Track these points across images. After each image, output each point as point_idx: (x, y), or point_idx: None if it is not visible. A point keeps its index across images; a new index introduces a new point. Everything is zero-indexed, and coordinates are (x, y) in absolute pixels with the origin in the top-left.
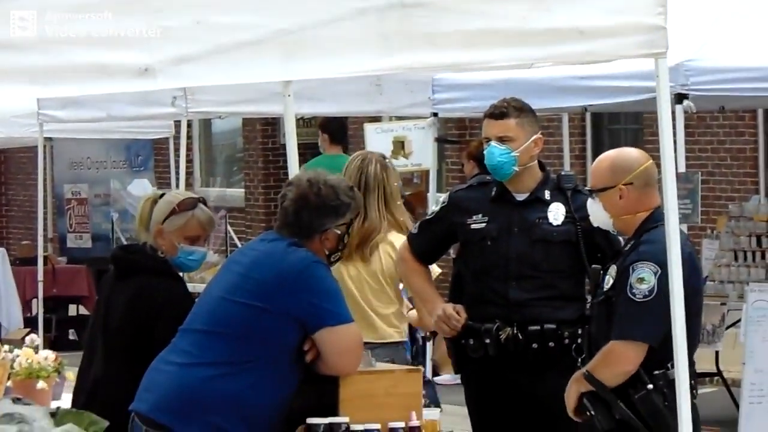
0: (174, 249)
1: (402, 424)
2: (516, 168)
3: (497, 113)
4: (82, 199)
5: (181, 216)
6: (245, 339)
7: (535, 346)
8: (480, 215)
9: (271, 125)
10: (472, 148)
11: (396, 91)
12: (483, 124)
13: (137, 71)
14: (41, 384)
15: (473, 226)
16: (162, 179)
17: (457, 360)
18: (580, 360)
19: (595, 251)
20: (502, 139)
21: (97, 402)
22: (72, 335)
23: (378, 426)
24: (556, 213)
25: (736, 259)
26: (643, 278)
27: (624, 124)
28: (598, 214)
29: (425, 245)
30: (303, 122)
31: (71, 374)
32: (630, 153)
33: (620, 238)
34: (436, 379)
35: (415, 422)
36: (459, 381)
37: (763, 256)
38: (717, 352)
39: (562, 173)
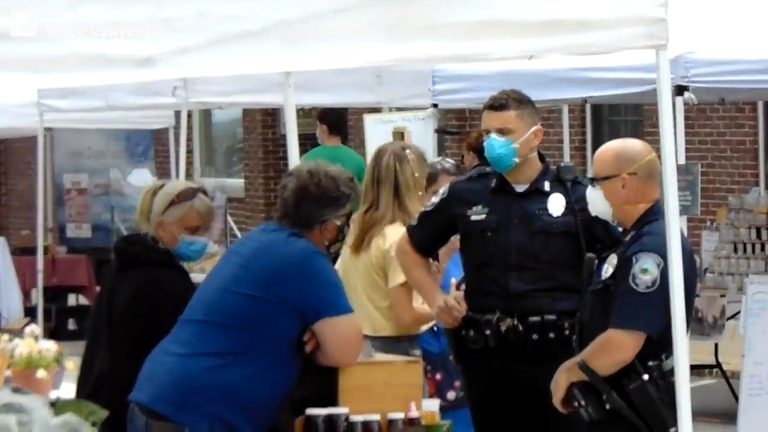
0: (175, 240)
1: (401, 415)
2: (516, 159)
3: (497, 105)
4: (82, 189)
5: (180, 207)
6: (245, 329)
7: (535, 337)
8: (480, 206)
9: (271, 116)
10: (472, 140)
11: (396, 82)
12: (482, 115)
13: (138, 61)
14: (41, 374)
15: (473, 218)
16: (162, 169)
17: (456, 351)
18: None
19: (594, 242)
20: (501, 131)
21: (102, 393)
22: (72, 325)
23: (377, 417)
24: (556, 204)
25: (735, 251)
26: (647, 269)
27: (624, 115)
28: (597, 202)
29: (425, 237)
30: (303, 113)
31: (71, 364)
32: (635, 144)
33: (619, 229)
34: None
35: (414, 413)
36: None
37: (762, 248)
38: (716, 345)
39: (562, 164)
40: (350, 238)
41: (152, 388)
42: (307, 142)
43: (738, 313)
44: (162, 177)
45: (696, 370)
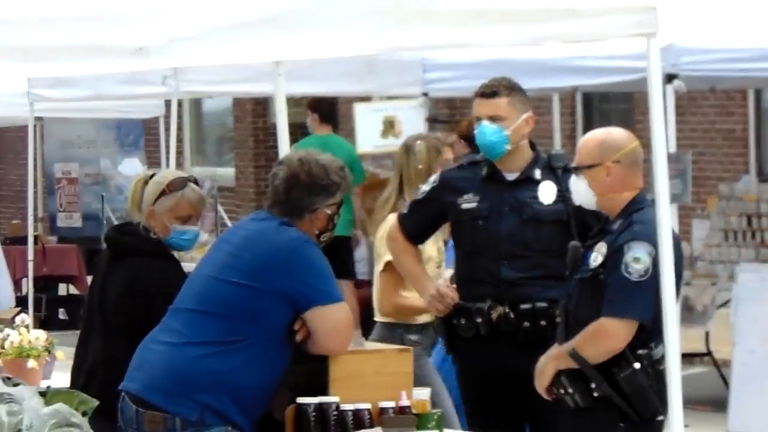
0: (167, 229)
1: (392, 404)
2: (508, 147)
3: (488, 92)
4: (73, 179)
5: (171, 197)
6: (235, 318)
7: (526, 324)
8: (471, 195)
9: (262, 105)
10: (462, 128)
11: (386, 70)
12: (473, 103)
13: (132, 50)
14: (32, 363)
15: (464, 206)
16: (152, 159)
17: (448, 339)
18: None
19: (585, 230)
20: (493, 118)
21: (95, 383)
22: (62, 314)
23: (368, 405)
24: (547, 192)
25: (726, 239)
26: (639, 258)
27: (614, 104)
28: (581, 191)
29: (415, 225)
30: (293, 102)
31: (61, 353)
32: (618, 132)
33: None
34: None
35: (405, 402)
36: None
37: (753, 236)
38: (707, 333)
39: (553, 152)
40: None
41: (143, 377)
42: (298, 131)
43: (729, 301)
44: (152, 166)
45: (687, 358)
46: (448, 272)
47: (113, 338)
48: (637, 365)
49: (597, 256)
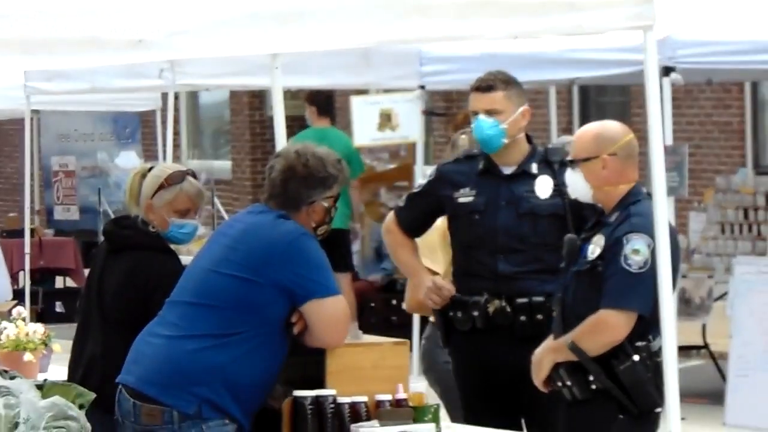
0: (165, 223)
1: (389, 397)
2: (505, 140)
3: (484, 86)
4: (70, 172)
5: (169, 190)
6: (232, 311)
7: (523, 318)
8: (467, 189)
9: (258, 98)
10: (458, 121)
11: (383, 63)
12: (470, 97)
13: (131, 42)
14: (28, 356)
15: (461, 200)
16: (149, 152)
17: (444, 333)
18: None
19: (582, 224)
20: (489, 112)
21: (94, 376)
22: (59, 307)
23: (365, 398)
24: (544, 186)
25: (723, 231)
26: (638, 250)
27: (611, 96)
28: (577, 185)
29: (412, 218)
30: (290, 95)
31: (58, 346)
32: (613, 125)
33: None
34: None
35: (401, 395)
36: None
37: (750, 229)
38: (704, 325)
39: (550, 146)
40: None
41: (140, 370)
42: (294, 124)
43: (725, 293)
44: (149, 159)
45: (684, 351)
46: None
47: (112, 331)
48: (636, 357)
49: (594, 249)
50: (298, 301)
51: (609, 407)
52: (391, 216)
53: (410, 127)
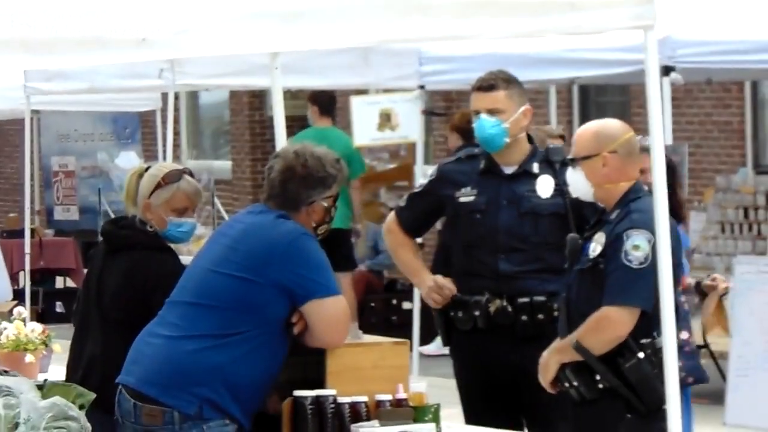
0: (163, 222)
1: (389, 397)
2: (506, 139)
3: (486, 86)
4: (70, 172)
5: (166, 189)
6: (233, 311)
7: (524, 318)
8: (468, 188)
9: (258, 98)
10: (456, 120)
11: (383, 63)
12: (471, 97)
13: (135, 41)
14: (29, 357)
15: (462, 199)
16: (149, 152)
17: (445, 332)
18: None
19: (583, 224)
20: (491, 112)
21: (94, 377)
22: (59, 308)
23: (365, 398)
24: (545, 186)
25: (723, 231)
26: (639, 245)
27: (611, 96)
28: (578, 183)
29: (413, 218)
30: (290, 95)
31: (58, 347)
32: (613, 122)
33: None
34: (421, 349)
35: (401, 395)
36: (445, 352)
37: (750, 229)
38: (704, 325)
39: (551, 146)
40: None
41: (140, 371)
42: (294, 124)
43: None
44: (149, 159)
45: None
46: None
47: (111, 332)
48: (641, 354)
49: (596, 246)
50: (298, 301)
51: (617, 406)
52: (392, 216)
53: (410, 127)
